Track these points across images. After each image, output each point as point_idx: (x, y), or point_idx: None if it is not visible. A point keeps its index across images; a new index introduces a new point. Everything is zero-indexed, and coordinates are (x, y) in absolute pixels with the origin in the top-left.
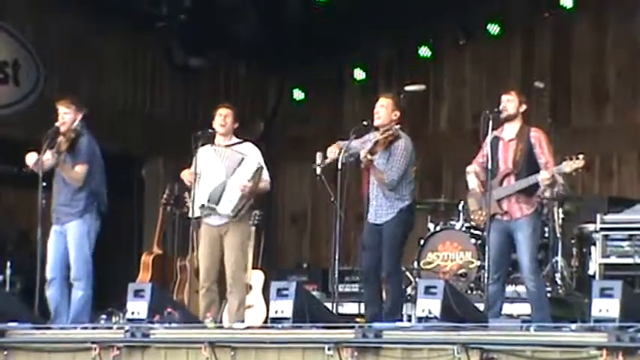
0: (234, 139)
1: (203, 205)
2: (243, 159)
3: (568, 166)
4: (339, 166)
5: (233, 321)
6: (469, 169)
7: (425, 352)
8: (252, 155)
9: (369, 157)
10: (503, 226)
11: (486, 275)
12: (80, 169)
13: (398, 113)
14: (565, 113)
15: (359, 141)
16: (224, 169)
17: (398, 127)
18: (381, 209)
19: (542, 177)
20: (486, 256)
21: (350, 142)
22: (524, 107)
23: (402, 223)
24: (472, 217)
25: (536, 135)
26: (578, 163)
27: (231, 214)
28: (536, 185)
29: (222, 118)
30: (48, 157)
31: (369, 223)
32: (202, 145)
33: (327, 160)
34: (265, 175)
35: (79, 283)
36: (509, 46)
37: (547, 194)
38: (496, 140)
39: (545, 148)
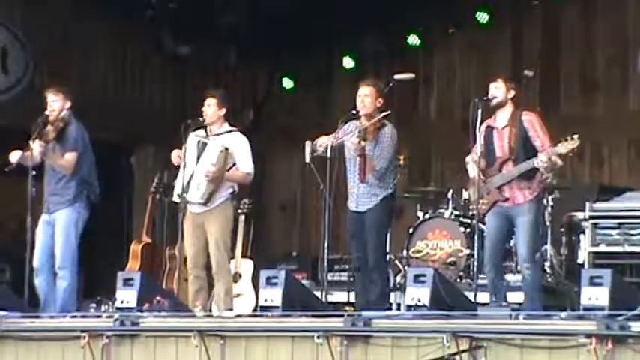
0: (225, 127)
1: (179, 195)
2: (205, 144)
3: (563, 147)
4: (328, 155)
5: (221, 308)
6: (468, 159)
7: (414, 341)
8: (219, 141)
9: (362, 143)
10: (503, 210)
11: (476, 264)
12: (70, 157)
13: (382, 100)
14: (555, 101)
15: (337, 132)
16: (195, 158)
17: (385, 114)
18: (363, 197)
19: (540, 160)
20: (476, 246)
21: (339, 131)
22: (512, 93)
23: (385, 212)
24: (473, 206)
25: (528, 118)
26: (573, 143)
27: (200, 201)
28: (536, 169)
29: (204, 107)
30: (37, 146)
31: (352, 212)
32: (193, 132)
33: (321, 150)
34: (246, 165)
35: (64, 272)
36: (498, 34)
37: (549, 180)
38: (490, 130)
39: (538, 130)
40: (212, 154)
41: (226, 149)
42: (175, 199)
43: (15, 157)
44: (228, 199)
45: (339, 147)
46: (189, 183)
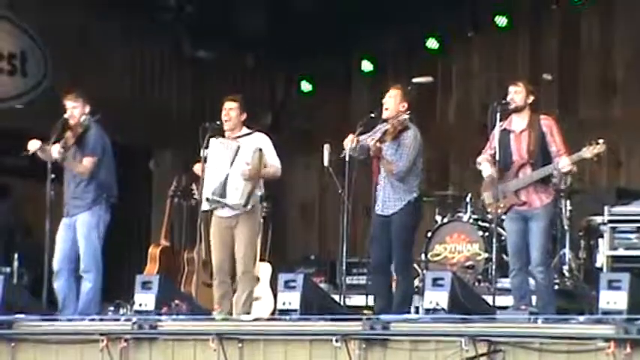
0: (244, 131)
1: (208, 199)
2: (239, 147)
3: (588, 151)
4: (347, 158)
5: (240, 312)
6: (480, 159)
7: (432, 344)
8: (250, 142)
9: (378, 145)
10: (520, 214)
11: (494, 267)
12: (87, 162)
13: (406, 104)
14: (573, 105)
15: (367, 135)
16: (226, 161)
17: (407, 117)
18: (389, 201)
19: (563, 164)
20: (494, 249)
21: (357, 134)
22: (532, 98)
23: (410, 215)
24: (488, 209)
25: (547, 123)
26: (599, 148)
27: (241, 202)
28: (552, 174)
29: (226, 112)
30: (55, 150)
31: (377, 215)
32: (212, 137)
33: (345, 152)
34: (274, 160)
35: (89, 274)
36: (517, 38)
37: (562, 186)
38: (506, 133)
39: (556, 136)
40: (246, 154)
41: (260, 150)
42: (204, 206)
43: (33, 145)
44: (257, 201)
45: (364, 152)
46: (224, 187)
